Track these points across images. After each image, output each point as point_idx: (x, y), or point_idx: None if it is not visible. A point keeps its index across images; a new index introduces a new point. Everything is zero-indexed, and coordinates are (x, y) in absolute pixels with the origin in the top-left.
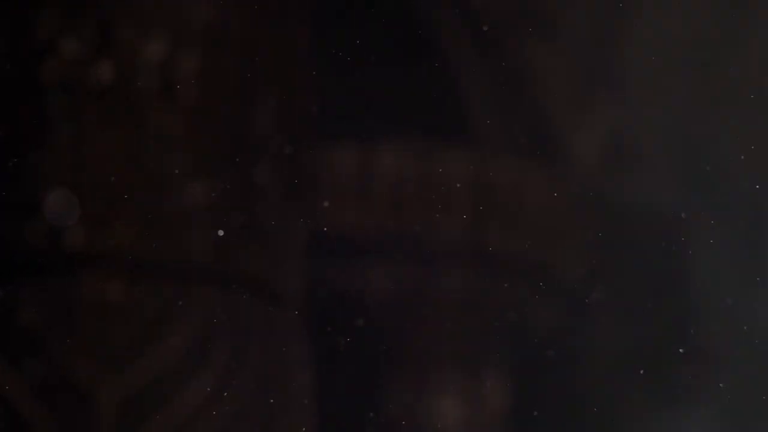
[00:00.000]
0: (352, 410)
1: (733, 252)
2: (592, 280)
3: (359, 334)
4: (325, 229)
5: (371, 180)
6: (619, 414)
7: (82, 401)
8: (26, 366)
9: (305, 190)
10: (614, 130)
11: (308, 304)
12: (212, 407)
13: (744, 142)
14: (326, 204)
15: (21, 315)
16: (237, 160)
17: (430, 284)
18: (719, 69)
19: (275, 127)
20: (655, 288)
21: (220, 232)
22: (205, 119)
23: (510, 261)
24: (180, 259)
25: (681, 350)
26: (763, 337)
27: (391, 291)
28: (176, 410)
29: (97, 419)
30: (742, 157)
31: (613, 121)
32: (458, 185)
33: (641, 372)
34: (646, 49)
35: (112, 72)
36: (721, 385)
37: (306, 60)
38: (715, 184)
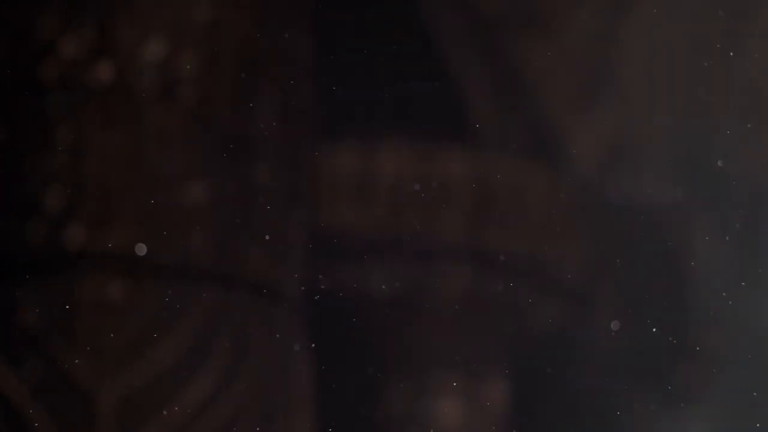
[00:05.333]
0: (352, 410)
1: (733, 252)
2: (592, 279)
3: (359, 334)
4: (325, 229)
5: (371, 180)
6: (619, 414)
7: (82, 401)
8: (26, 366)
9: (305, 190)
10: (614, 131)
11: (308, 304)
12: (212, 407)
13: (744, 142)
14: (326, 204)
15: (21, 315)
16: (237, 160)
17: (430, 284)
18: (719, 69)
19: (275, 127)
20: (655, 288)
21: (141, 249)
22: (205, 119)
23: (510, 261)
24: (180, 259)
25: (681, 349)
26: (763, 337)
27: (391, 291)
28: (176, 410)
29: (97, 419)
30: (742, 157)
31: (613, 121)
32: (458, 186)
33: (641, 372)
34: (646, 50)
35: (112, 72)
36: (721, 385)
37: (306, 60)
38: (715, 184)
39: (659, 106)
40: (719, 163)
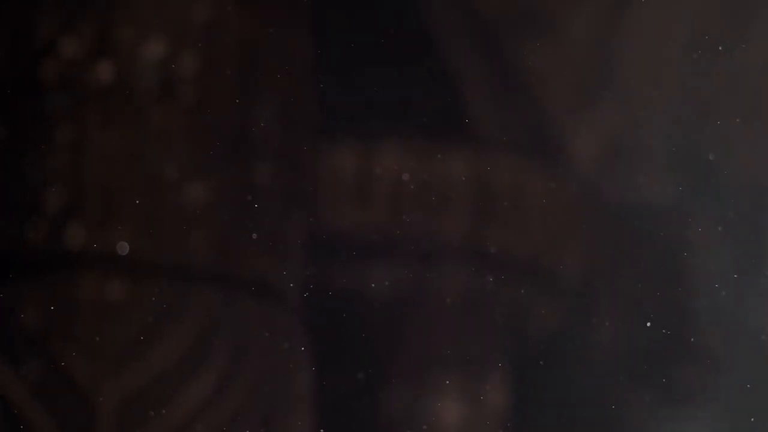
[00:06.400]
0: (352, 410)
1: (733, 251)
2: (592, 279)
3: (359, 334)
4: (325, 229)
5: (371, 180)
6: (619, 414)
7: (82, 401)
8: (26, 366)
9: (305, 190)
10: (614, 130)
11: (308, 304)
12: (212, 407)
13: (744, 142)
14: (326, 204)
15: (21, 315)
16: (237, 160)
17: (430, 284)
18: (719, 69)
19: (275, 127)
20: (655, 288)
21: (123, 248)
22: (205, 119)
23: (510, 261)
24: (180, 259)
25: (679, 347)
26: (763, 337)
27: (391, 291)
28: (176, 410)
29: (97, 419)
30: (741, 154)
31: (613, 120)
32: (458, 185)
33: (641, 372)
34: (646, 49)
35: (112, 72)
36: (719, 382)
37: (306, 60)
38: (715, 184)
39: (658, 105)
40: (710, 156)
